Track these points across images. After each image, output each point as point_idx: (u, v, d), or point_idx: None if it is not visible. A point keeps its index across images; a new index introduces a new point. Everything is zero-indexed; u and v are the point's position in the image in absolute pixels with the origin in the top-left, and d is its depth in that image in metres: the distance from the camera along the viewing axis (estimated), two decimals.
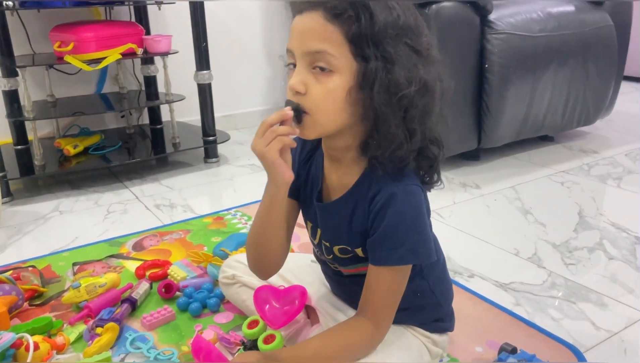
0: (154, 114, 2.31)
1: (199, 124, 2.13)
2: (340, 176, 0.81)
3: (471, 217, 1.58)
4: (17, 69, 1.80)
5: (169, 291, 1.16)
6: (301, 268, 1.04)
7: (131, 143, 2.15)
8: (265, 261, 0.86)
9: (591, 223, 1.53)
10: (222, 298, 1.15)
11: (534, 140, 2.20)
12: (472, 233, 1.47)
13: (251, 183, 1.93)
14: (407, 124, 0.71)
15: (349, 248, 0.81)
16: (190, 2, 1.93)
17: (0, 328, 1.03)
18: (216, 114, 2.12)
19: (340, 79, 0.69)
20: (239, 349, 0.97)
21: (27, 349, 0.93)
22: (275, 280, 1.02)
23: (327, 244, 0.84)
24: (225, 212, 1.64)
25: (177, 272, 1.24)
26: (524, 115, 1.96)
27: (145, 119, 2.35)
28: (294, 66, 0.72)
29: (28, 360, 0.91)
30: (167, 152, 2.12)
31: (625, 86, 2.55)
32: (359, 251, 0.80)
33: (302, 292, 0.96)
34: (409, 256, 0.75)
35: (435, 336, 0.90)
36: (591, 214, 1.58)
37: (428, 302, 0.88)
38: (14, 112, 1.89)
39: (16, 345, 0.95)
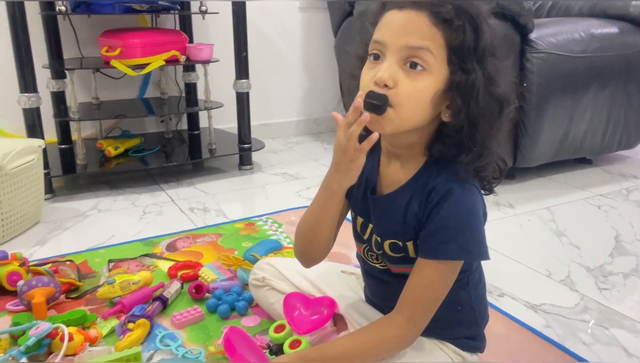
0: (193, 121, 2.37)
1: (235, 131, 2.17)
2: (396, 170, 0.82)
3: (503, 236, 1.55)
4: (66, 72, 1.87)
5: (199, 292, 1.19)
6: (332, 276, 1.05)
7: (169, 147, 2.20)
8: (312, 251, 0.88)
9: (628, 249, 1.49)
10: (250, 302, 1.16)
11: (571, 162, 2.16)
12: (504, 252, 1.45)
13: (283, 191, 1.95)
14: (495, 136, 0.75)
15: (400, 244, 0.81)
16: (233, 13, 1.98)
17: (38, 317, 1.08)
18: (252, 123, 2.16)
19: (432, 80, 0.72)
20: (265, 352, 0.98)
21: (62, 339, 0.97)
22: (306, 287, 1.03)
23: (379, 239, 0.84)
24: (257, 218, 1.67)
25: (208, 274, 1.26)
26: (562, 136, 1.93)
27: (184, 125, 2.42)
28: (375, 57, 0.75)
29: (62, 350, 0.94)
30: (203, 157, 2.16)
31: None
32: (410, 245, 0.80)
33: (331, 303, 0.96)
34: (459, 252, 0.75)
35: (466, 354, 0.88)
36: (628, 240, 1.54)
37: (465, 318, 0.87)
38: (61, 113, 1.97)
39: (52, 335, 0.99)
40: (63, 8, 1.74)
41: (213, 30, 2.31)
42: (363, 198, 0.87)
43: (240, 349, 0.81)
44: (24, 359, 0.91)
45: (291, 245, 1.43)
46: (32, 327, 1.00)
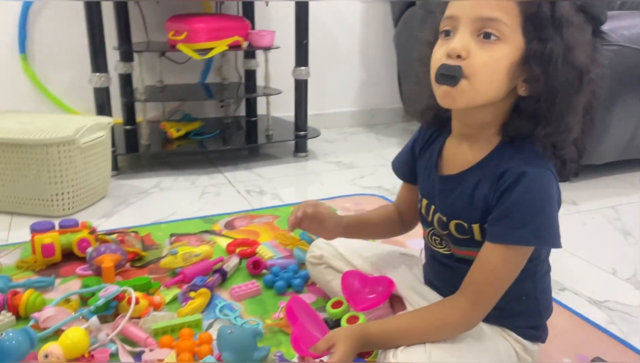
0: (251, 107, 2.41)
1: (291, 120, 2.19)
2: (465, 151, 0.81)
3: (565, 232, 1.48)
4: (134, 54, 1.94)
5: (256, 267, 1.21)
6: (392, 257, 1.04)
7: (227, 132, 2.25)
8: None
9: None
10: (306, 280, 1.18)
11: (638, 162, 2.06)
12: (566, 247, 1.40)
13: (337, 179, 1.96)
14: (574, 109, 0.73)
15: (466, 225, 0.80)
16: (296, 1, 2.00)
17: (106, 281, 1.13)
18: (308, 112, 2.18)
19: (507, 49, 0.71)
20: None
21: (129, 302, 1.01)
22: (364, 266, 1.04)
23: (444, 218, 0.83)
24: None
25: (265, 252, 1.29)
26: (631, 134, 1.85)
27: (242, 111, 2.46)
28: (447, 34, 0.74)
29: (129, 312, 0.99)
30: (260, 143, 2.20)
31: None
32: (475, 228, 0.79)
33: (390, 283, 0.96)
34: (529, 237, 0.73)
35: (527, 342, 0.87)
36: None
37: (529, 308, 0.86)
38: (127, 94, 2.05)
39: (119, 297, 1.03)
40: None
41: (274, 18, 2.34)
42: (428, 178, 0.87)
43: (301, 318, 0.82)
44: (95, 317, 0.96)
45: None
46: (101, 289, 1.05)
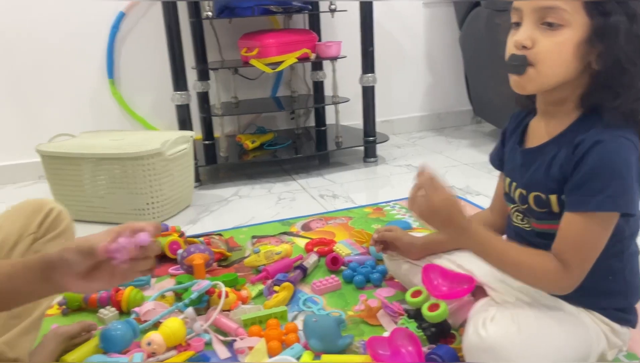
0: (319, 118, 2.48)
1: (359, 127, 2.24)
2: (546, 126, 0.85)
3: None
4: (210, 73, 2.07)
5: (335, 263, 1.25)
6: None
7: (299, 141, 2.33)
8: None
9: None
10: (384, 274, 1.21)
11: None
12: None
13: (408, 181, 1.94)
14: None
15: (543, 196, 0.82)
16: (360, 10, 2.06)
17: (198, 277, 1.21)
18: (376, 119, 2.22)
19: (570, 32, 0.74)
20: (403, 317, 1.02)
21: (219, 296, 1.08)
22: (442, 262, 1.05)
23: (524, 192, 0.86)
24: (385, 204, 1.71)
25: (342, 249, 1.33)
26: None
27: (311, 122, 2.54)
28: (516, 25, 0.79)
29: (220, 305, 1.06)
30: (330, 149, 2.26)
31: None
32: (553, 199, 0.81)
33: (471, 280, 0.97)
34: (607, 203, 0.74)
35: (615, 325, 0.86)
36: None
37: (616, 289, 0.85)
38: (205, 111, 2.18)
39: (210, 292, 1.11)
40: (210, 14, 1.93)
41: (339, 28, 2.40)
42: (513, 156, 0.90)
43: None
44: (191, 309, 1.04)
45: (420, 226, 1.46)
46: (193, 285, 1.13)
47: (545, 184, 0.81)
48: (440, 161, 2.18)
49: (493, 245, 0.81)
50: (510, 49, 0.80)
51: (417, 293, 0.99)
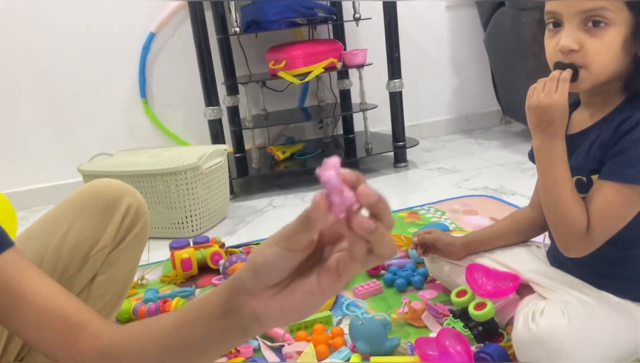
0: (347, 125, 2.50)
1: (388, 133, 2.25)
2: (590, 112, 0.86)
3: None
4: (239, 87, 2.11)
5: (375, 268, 1.26)
6: (512, 247, 1.06)
7: (328, 150, 2.35)
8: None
9: None
10: (425, 277, 1.21)
11: None
12: None
13: (441, 184, 1.98)
14: None
15: (584, 179, 0.83)
16: (385, 16, 2.08)
17: None
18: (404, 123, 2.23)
19: (616, 30, 0.76)
20: (448, 318, 1.02)
21: None
22: (485, 262, 1.05)
23: None
24: (419, 207, 1.72)
25: None
26: None
27: (339, 130, 2.56)
28: (554, 25, 0.80)
29: None
30: (359, 156, 2.28)
31: None
32: (594, 179, 0.82)
33: (515, 278, 0.97)
34: (637, 176, 0.75)
35: None
36: None
37: None
38: (235, 124, 2.22)
39: None
40: (237, 29, 1.98)
41: (364, 36, 2.43)
42: None
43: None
44: None
45: (457, 229, 1.46)
46: None
47: (585, 165, 0.82)
48: (472, 163, 2.18)
49: (560, 168, 0.80)
50: (553, 53, 0.81)
51: (462, 293, 1.00)
